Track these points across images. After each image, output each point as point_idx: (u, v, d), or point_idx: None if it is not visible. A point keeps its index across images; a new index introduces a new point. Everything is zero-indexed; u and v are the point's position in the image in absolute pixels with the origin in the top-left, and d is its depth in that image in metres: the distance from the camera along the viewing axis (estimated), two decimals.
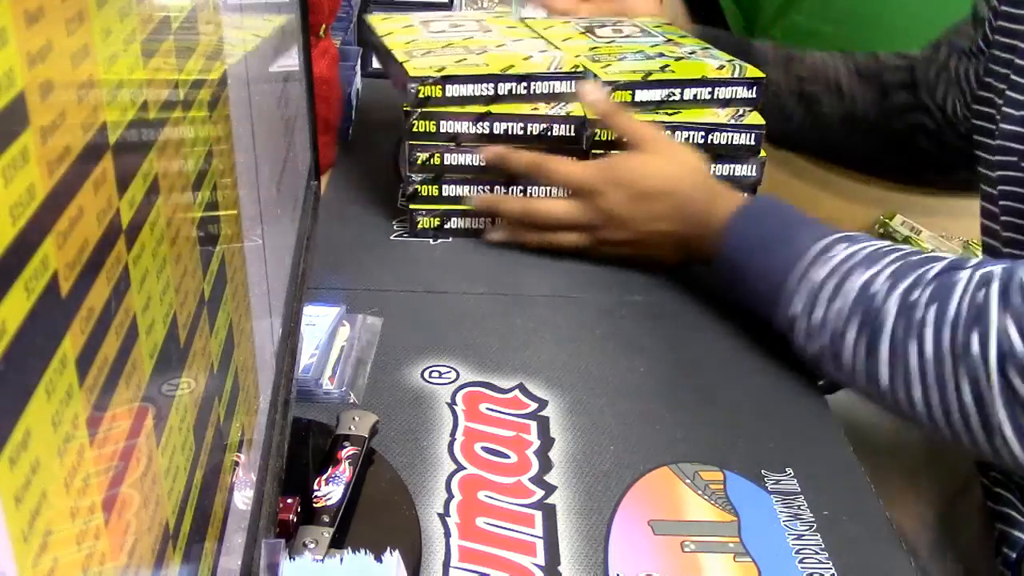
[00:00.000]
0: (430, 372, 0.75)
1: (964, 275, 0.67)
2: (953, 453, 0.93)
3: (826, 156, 1.17)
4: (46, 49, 0.22)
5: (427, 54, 0.95)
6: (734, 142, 0.93)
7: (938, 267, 0.69)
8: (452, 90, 0.90)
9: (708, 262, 0.85)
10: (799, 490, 0.65)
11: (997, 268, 0.66)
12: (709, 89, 0.93)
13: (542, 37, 1.04)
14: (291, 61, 0.69)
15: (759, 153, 0.93)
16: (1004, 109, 0.80)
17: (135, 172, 0.29)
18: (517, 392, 0.74)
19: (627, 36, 1.06)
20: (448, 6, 1.40)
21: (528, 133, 0.92)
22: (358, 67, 1.23)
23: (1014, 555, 0.79)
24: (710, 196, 0.86)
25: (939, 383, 0.65)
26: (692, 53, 0.99)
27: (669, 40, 1.04)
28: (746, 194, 0.88)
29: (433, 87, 0.90)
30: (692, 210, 0.86)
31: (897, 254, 0.72)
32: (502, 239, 0.94)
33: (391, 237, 0.95)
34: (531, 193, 0.94)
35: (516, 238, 0.93)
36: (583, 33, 1.06)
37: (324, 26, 1.04)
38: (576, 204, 0.89)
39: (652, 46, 1.01)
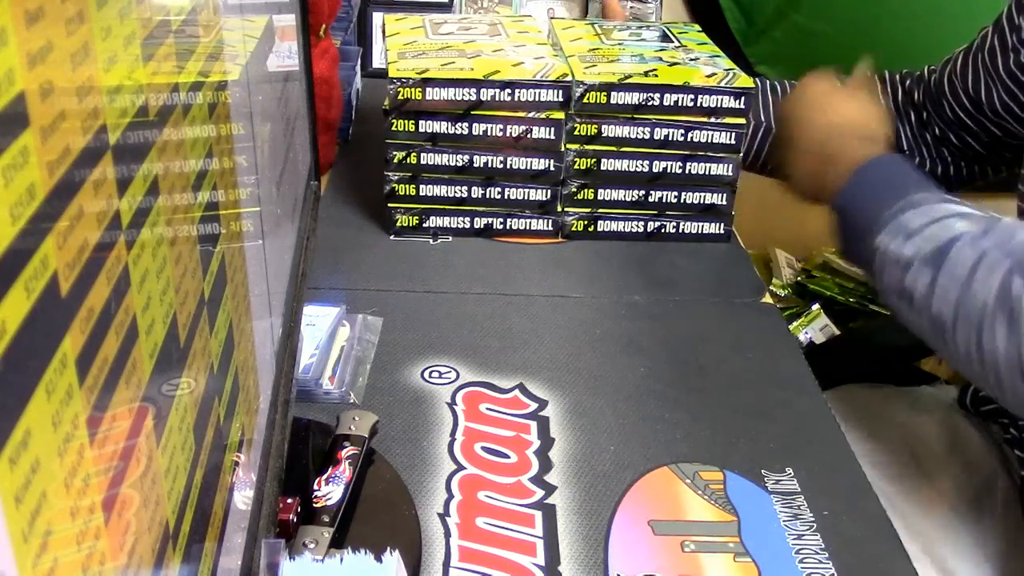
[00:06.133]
0: (430, 372, 0.75)
1: None
2: (972, 451, 0.92)
3: None
4: (46, 49, 0.22)
5: (419, 56, 0.95)
6: (714, 141, 0.93)
7: (1016, 225, 0.70)
8: (432, 93, 0.90)
9: (826, 199, 0.87)
10: (799, 490, 0.65)
11: None
12: (692, 96, 0.92)
13: (552, 43, 1.04)
14: (291, 61, 0.69)
15: (737, 152, 0.94)
16: None
17: (135, 172, 0.29)
18: (517, 392, 0.74)
19: (642, 40, 1.05)
20: (448, 6, 1.40)
21: (507, 135, 0.92)
22: (358, 67, 1.23)
23: None
24: (861, 139, 0.87)
25: (988, 332, 0.65)
26: (694, 60, 0.98)
27: (682, 46, 1.04)
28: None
29: (413, 89, 0.90)
30: (846, 139, 0.87)
31: (989, 217, 0.73)
32: None
33: (391, 237, 0.95)
34: (508, 195, 0.94)
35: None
36: (596, 35, 1.06)
37: (324, 26, 1.04)
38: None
39: (657, 50, 1.01)
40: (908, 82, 1.09)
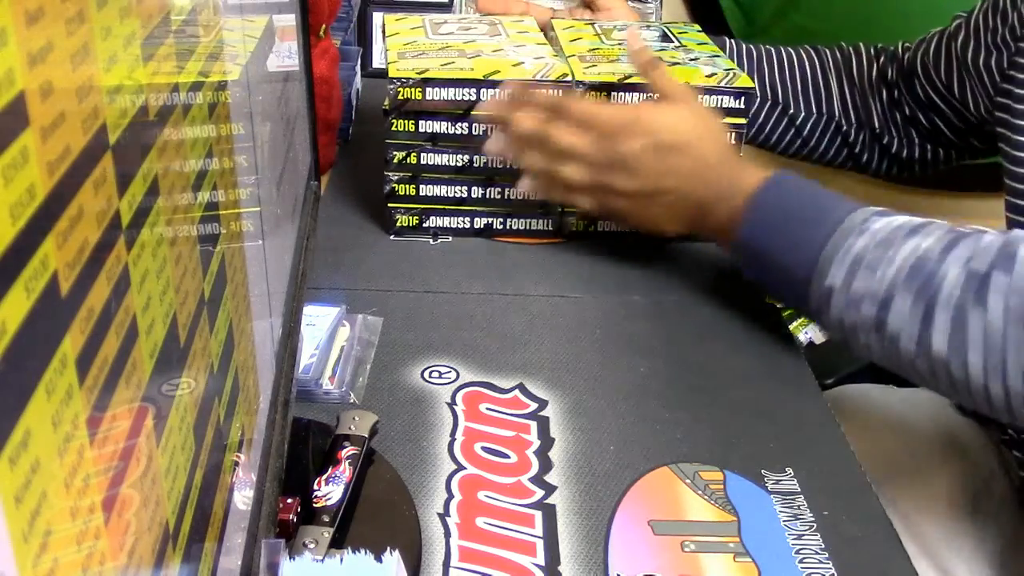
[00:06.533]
0: (430, 372, 0.75)
1: None
2: (970, 452, 0.92)
3: (804, 159, 1.15)
4: (46, 49, 0.22)
5: (419, 55, 0.95)
6: None
7: (990, 236, 0.67)
8: (432, 93, 0.90)
9: (714, 237, 0.81)
10: (799, 490, 0.65)
11: None
12: None
13: (552, 43, 1.04)
14: (291, 61, 0.69)
15: (738, 152, 0.94)
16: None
17: (135, 172, 0.29)
18: (517, 392, 0.74)
19: (642, 40, 1.05)
20: (448, 6, 1.40)
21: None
22: (358, 67, 1.23)
23: None
24: (733, 164, 0.82)
25: (1002, 348, 0.63)
26: (694, 60, 0.98)
27: (681, 46, 1.03)
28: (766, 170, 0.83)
29: (413, 89, 0.90)
30: (713, 173, 0.81)
31: (938, 224, 0.70)
32: (500, 153, 0.88)
33: (391, 237, 0.95)
34: (508, 195, 0.94)
35: (517, 156, 0.87)
36: (596, 35, 1.06)
37: (324, 26, 1.04)
38: (590, 141, 0.83)
39: (656, 50, 1.01)
40: (882, 58, 1.09)
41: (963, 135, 1.04)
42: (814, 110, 1.09)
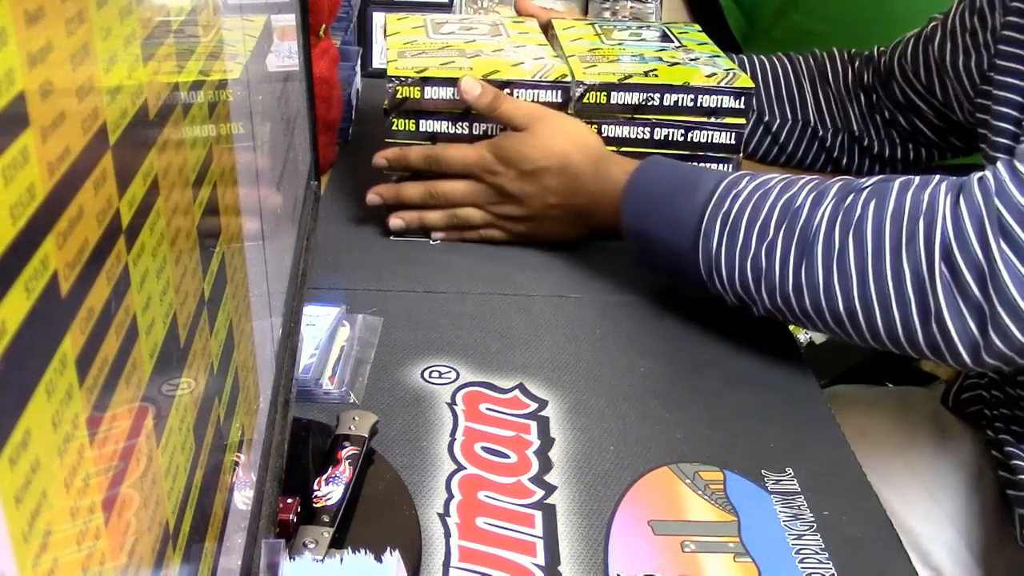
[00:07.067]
0: (430, 372, 0.75)
1: (901, 178, 0.70)
2: (960, 451, 0.93)
3: (782, 165, 1.15)
4: (46, 49, 0.22)
5: (419, 55, 0.95)
6: (714, 141, 0.93)
7: (868, 179, 0.71)
8: (431, 92, 0.90)
9: (616, 233, 0.86)
10: (799, 490, 0.65)
11: (937, 175, 0.69)
12: (692, 96, 0.92)
13: (552, 43, 1.04)
14: (291, 61, 0.69)
15: (738, 152, 0.94)
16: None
17: (135, 172, 0.29)
18: (517, 392, 0.74)
19: (642, 40, 1.05)
20: (448, 6, 1.40)
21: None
22: (358, 67, 1.23)
23: None
24: (601, 165, 0.87)
25: (878, 275, 0.67)
26: (694, 60, 0.98)
27: (682, 46, 1.03)
28: (636, 161, 0.87)
29: (412, 88, 0.90)
30: (583, 181, 0.87)
31: (810, 177, 0.75)
32: (405, 225, 0.94)
33: (391, 237, 0.95)
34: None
35: (421, 221, 0.94)
36: (596, 35, 1.06)
37: (324, 26, 1.04)
38: (473, 184, 0.91)
39: (657, 50, 1.01)
40: (857, 63, 1.10)
41: (943, 135, 1.05)
42: (788, 116, 1.10)
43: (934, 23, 1.00)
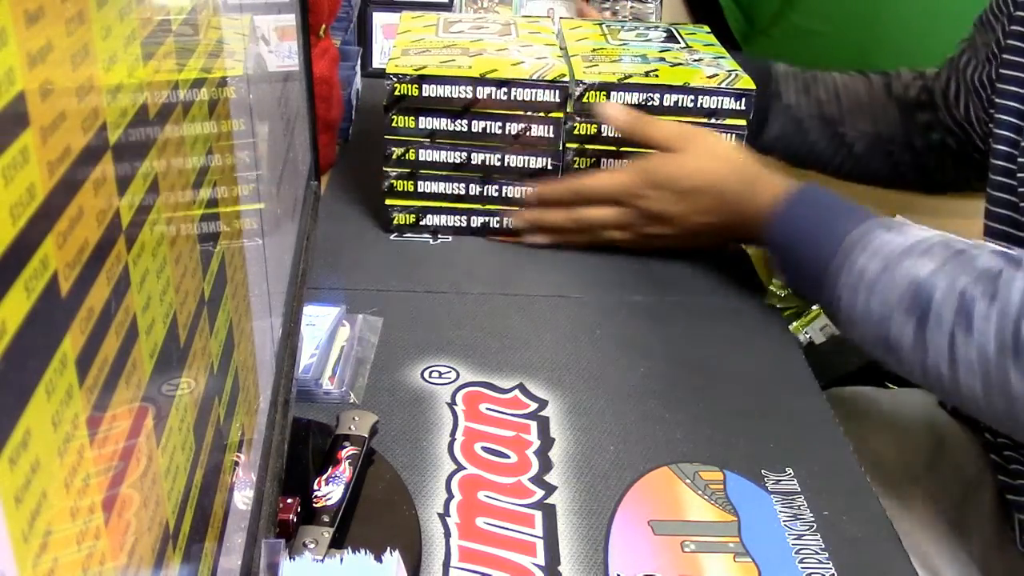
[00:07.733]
0: (430, 372, 0.75)
1: (1016, 272, 0.67)
2: (959, 454, 0.93)
3: (849, 178, 1.15)
4: (46, 49, 0.22)
5: (422, 53, 0.95)
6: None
7: (984, 257, 0.69)
8: (429, 90, 0.90)
9: (758, 242, 0.88)
10: (799, 490, 0.65)
11: None
12: (692, 97, 0.92)
13: (557, 43, 1.04)
14: (291, 61, 0.69)
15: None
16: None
17: (135, 172, 0.29)
18: (517, 392, 0.74)
19: (647, 40, 1.05)
20: (448, 6, 1.40)
21: (506, 132, 0.92)
22: (358, 67, 1.23)
23: None
24: (751, 185, 0.87)
25: (999, 376, 0.65)
26: (697, 60, 0.98)
27: (686, 47, 1.03)
28: (790, 180, 0.87)
29: (410, 85, 0.90)
30: (734, 201, 0.87)
31: (939, 239, 0.73)
32: (547, 241, 0.95)
33: (391, 237, 0.95)
34: (506, 193, 0.94)
35: (563, 240, 0.94)
36: (602, 35, 1.06)
37: (324, 26, 1.04)
38: (619, 209, 0.91)
39: (661, 51, 1.01)
40: (917, 83, 1.09)
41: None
42: (868, 130, 1.09)
43: (963, 45, 1.01)
